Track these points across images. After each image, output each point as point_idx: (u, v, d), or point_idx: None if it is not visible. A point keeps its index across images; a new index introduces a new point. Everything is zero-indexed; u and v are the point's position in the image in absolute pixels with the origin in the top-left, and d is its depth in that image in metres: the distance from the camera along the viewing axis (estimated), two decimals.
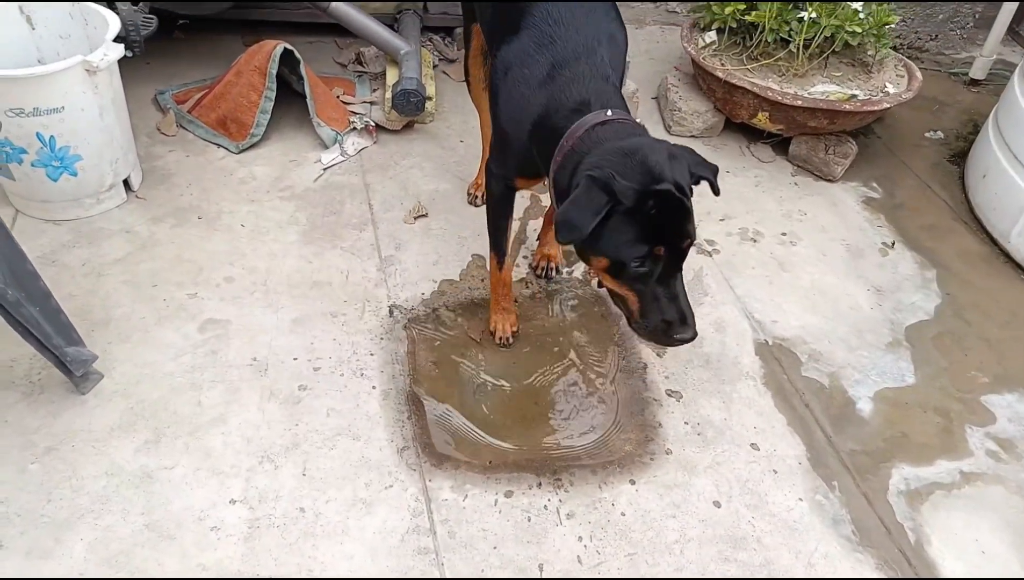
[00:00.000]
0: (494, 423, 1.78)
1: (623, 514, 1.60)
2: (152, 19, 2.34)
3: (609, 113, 1.55)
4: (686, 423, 1.81)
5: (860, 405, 1.90)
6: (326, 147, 2.56)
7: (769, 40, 2.62)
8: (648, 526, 1.59)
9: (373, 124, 2.64)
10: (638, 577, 1.51)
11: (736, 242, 2.37)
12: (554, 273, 2.17)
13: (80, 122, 2.03)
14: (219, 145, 2.53)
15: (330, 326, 1.96)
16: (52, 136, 2.01)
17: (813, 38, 2.55)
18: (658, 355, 1.97)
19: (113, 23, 2.10)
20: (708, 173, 1.56)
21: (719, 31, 2.75)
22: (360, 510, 1.57)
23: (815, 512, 1.65)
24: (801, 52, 2.59)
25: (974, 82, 3.35)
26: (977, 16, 3.51)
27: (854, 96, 2.57)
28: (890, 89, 2.65)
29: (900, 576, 1.56)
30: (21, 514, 1.50)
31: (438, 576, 1.48)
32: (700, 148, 2.78)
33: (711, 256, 2.30)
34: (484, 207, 1.95)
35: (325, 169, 2.49)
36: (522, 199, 2.43)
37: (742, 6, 2.59)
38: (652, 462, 1.71)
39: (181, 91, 2.73)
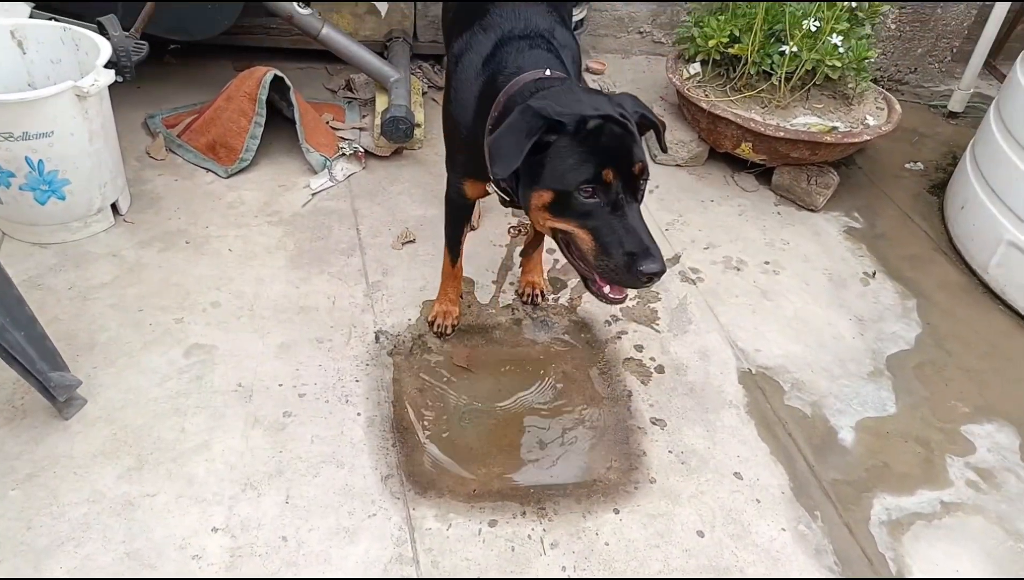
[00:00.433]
0: (479, 450, 1.78)
1: (607, 544, 1.61)
2: (143, 45, 2.36)
3: (548, 72, 1.53)
4: (670, 452, 1.82)
5: (842, 434, 1.92)
6: (315, 172, 2.58)
7: (752, 72, 2.68)
8: (632, 556, 1.59)
9: (362, 150, 2.66)
10: (636, 577, 1.51)
11: (720, 271, 2.40)
12: (539, 299, 2.18)
13: (69, 147, 2.04)
14: (208, 169, 2.54)
15: (316, 352, 1.96)
16: (41, 160, 2.01)
17: (795, 71, 2.60)
18: (642, 383, 1.98)
19: (104, 49, 2.11)
20: (652, 116, 1.51)
21: (703, 63, 2.81)
22: (343, 539, 1.56)
23: (798, 542, 1.66)
24: (783, 85, 2.64)
25: (952, 114, 3.42)
26: (955, 50, 3.59)
27: (835, 128, 2.62)
28: (870, 121, 2.70)
29: None
30: (0, 541, 1.48)
31: None
32: (685, 177, 2.83)
33: (695, 284, 2.33)
34: (446, 209, 1.96)
35: (314, 194, 2.51)
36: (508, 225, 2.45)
37: (725, 39, 2.65)
38: (636, 491, 1.72)
39: (171, 115, 2.75)
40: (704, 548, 1.62)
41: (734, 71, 2.75)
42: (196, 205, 2.40)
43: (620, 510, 1.68)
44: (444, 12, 2.10)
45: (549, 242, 2.39)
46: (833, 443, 1.90)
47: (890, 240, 2.64)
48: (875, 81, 3.04)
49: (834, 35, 2.52)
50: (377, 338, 2.02)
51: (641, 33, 3.61)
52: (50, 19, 2.29)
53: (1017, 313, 2.36)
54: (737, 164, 2.86)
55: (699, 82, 2.80)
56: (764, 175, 2.83)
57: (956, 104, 3.40)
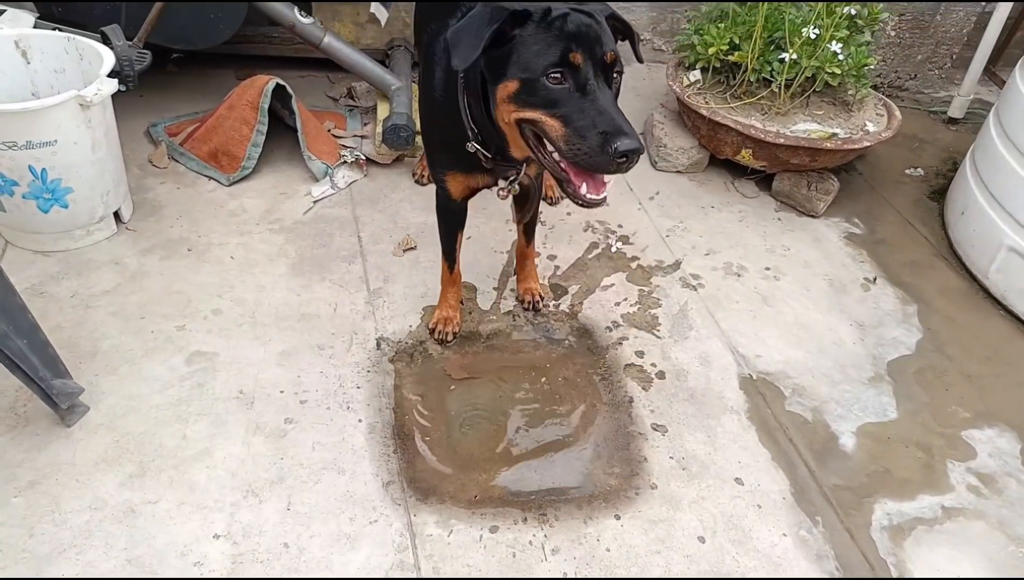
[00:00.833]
0: (480, 457, 1.78)
1: (608, 549, 1.61)
2: (146, 54, 2.38)
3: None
4: (671, 457, 1.82)
5: (843, 440, 1.92)
6: (316, 180, 2.59)
7: (752, 80, 2.69)
8: (633, 562, 1.59)
9: (363, 158, 2.68)
10: (635, 578, 1.51)
11: (721, 277, 2.40)
12: (540, 305, 2.19)
13: (72, 155, 2.05)
14: (210, 177, 2.56)
15: (317, 359, 1.97)
16: (44, 169, 2.02)
17: (794, 78, 2.61)
18: (643, 389, 1.99)
19: (107, 58, 2.13)
20: (623, 20, 1.47)
21: (703, 70, 2.82)
22: (344, 545, 1.56)
23: (799, 548, 1.66)
24: (783, 91, 2.65)
25: (952, 120, 3.43)
26: (955, 56, 3.60)
27: (835, 134, 2.63)
28: (870, 127, 2.71)
29: None
30: (2, 548, 1.49)
31: None
32: (686, 183, 2.84)
33: (696, 290, 2.33)
34: (438, 214, 1.96)
35: (315, 202, 2.52)
36: (510, 233, 2.46)
37: (725, 47, 2.66)
38: (637, 497, 1.72)
39: (174, 124, 2.76)
40: (705, 554, 1.62)
41: (734, 78, 2.76)
42: (198, 213, 2.41)
43: (621, 516, 1.68)
44: (416, 12, 2.15)
45: (549, 249, 2.42)
46: (834, 448, 1.90)
47: (890, 246, 2.64)
48: (875, 87, 3.05)
49: (834, 42, 2.53)
50: (378, 345, 2.03)
51: (641, 40, 3.62)
52: (54, 29, 2.31)
53: (1017, 318, 2.36)
54: (737, 170, 2.87)
55: (699, 89, 2.81)
56: (764, 181, 2.84)
57: (956, 110, 3.41)
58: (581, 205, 1.46)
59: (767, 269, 2.46)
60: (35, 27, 2.35)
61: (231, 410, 1.81)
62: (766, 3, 2.56)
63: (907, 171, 3.07)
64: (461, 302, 2.13)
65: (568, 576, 1.55)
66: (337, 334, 2.04)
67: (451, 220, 1.95)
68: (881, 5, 2.69)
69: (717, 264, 2.45)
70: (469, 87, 1.56)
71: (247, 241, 2.32)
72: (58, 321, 1.97)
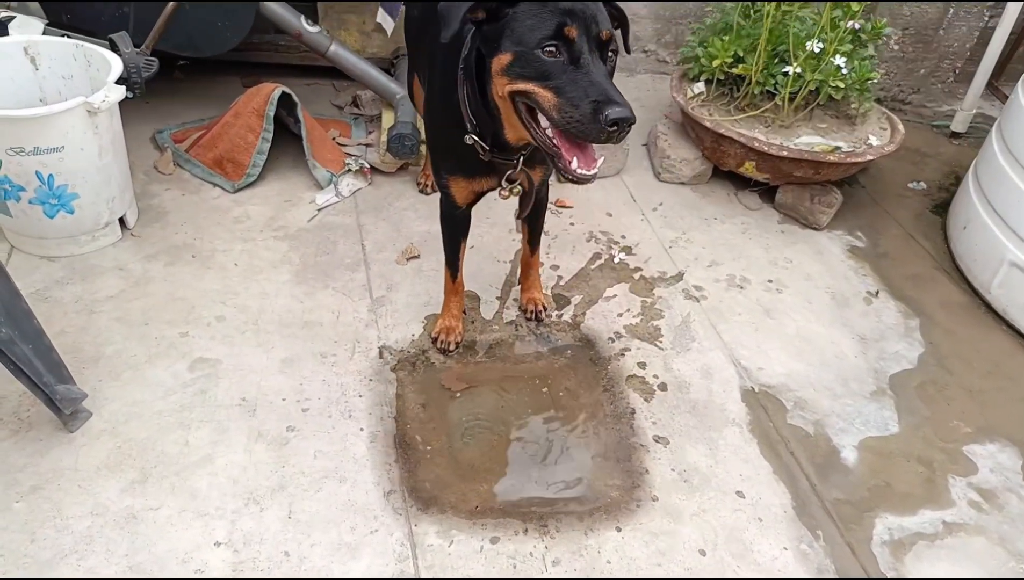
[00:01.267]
0: (481, 467, 1.78)
1: (609, 562, 1.61)
2: (153, 61, 2.39)
3: None
4: (672, 470, 1.82)
5: (844, 454, 1.92)
6: (321, 188, 2.60)
7: (755, 92, 2.70)
8: (634, 574, 1.59)
9: (368, 166, 2.69)
10: (636, 578, 1.51)
11: (723, 288, 2.41)
12: (542, 315, 2.19)
13: (79, 161, 2.06)
14: (215, 184, 2.57)
15: (320, 367, 1.97)
16: (51, 174, 2.03)
17: (798, 91, 2.62)
18: (645, 400, 1.99)
19: (115, 65, 2.14)
20: (617, 8, 1.49)
21: (707, 82, 2.83)
22: (345, 555, 1.56)
23: (800, 562, 1.66)
24: (786, 104, 2.66)
25: (955, 135, 3.44)
26: (958, 71, 3.61)
27: (838, 148, 2.64)
28: (873, 141, 2.72)
29: None
30: (4, 554, 1.49)
31: None
32: (689, 195, 2.85)
33: (698, 302, 2.34)
34: (442, 223, 1.97)
35: (319, 210, 2.53)
36: (513, 242, 2.47)
37: (729, 59, 2.67)
38: (638, 509, 1.72)
39: (179, 130, 2.78)
40: (706, 567, 1.62)
41: (738, 91, 2.77)
42: (203, 219, 2.42)
43: (622, 528, 1.68)
44: (409, 23, 2.19)
45: (552, 259, 2.42)
46: (835, 462, 1.90)
47: (893, 259, 2.65)
48: (878, 101, 3.06)
49: (837, 56, 2.54)
50: (381, 353, 2.03)
51: (646, 52, 3.64)
52: (63, 35, 2.32)
53: (1019, 333, 2.36)
54: (741, 182, 2.88)
55: (703, 101, 2.82)
56: (767, 194, 2.84)
57: (959, 124, 3.42)
58: (571, 180, 1.47)
59: (769, 281, 2.46)
60: (44, 33, 2.36)
61: (233, 417, 1.81)
62: (770, 17, 2.57)
63: (910, 185, 3.08)
64: (464, 311, 2.13)
65: None
66: (340, 342, 2.05)
67: (455, 228, 1.96)
68: (885, 19, 2.70)
69: (720, 276, 2.46)
70: (467, 75, 1.57)
71: (251, 248, 2.33)
72: (62, 326, 1.98)
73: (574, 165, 1.45)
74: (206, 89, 3.04)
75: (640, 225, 2.65)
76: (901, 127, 2.80)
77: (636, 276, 2.41)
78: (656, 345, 2.16)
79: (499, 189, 1.77)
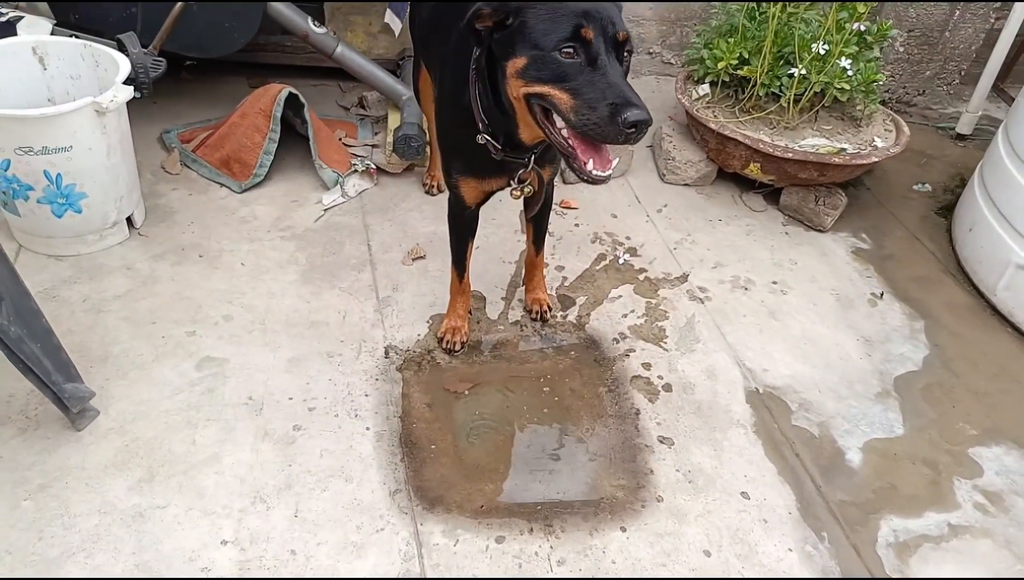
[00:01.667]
0: (486, 467, 1.79)
1: (614, 562, 1.61)
2: (161, 62, 2.40)
3: None
4: (677, 470, 1.82)
5: (849, 455, 1.92)
6: (327, 188, 2.61)
7: (761, 94, 2.70)
8: (639, 575, 1.59)
9: (374, 167, 2.70)
10: (638, 578, 1.51)
11: (728, 290, 2.41)
12: (547, 316, 2.20)
13: (87, 161, 2.07)
14: (222, 184, 2.58)
15: (326, 366, 1.98)
16: (59, 174, 2.05)
17: (803, 93, 2.62)
18: (650, 401, 1.99)
19: (123, 65, 2.15)
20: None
21: (712, 84, 2.83)
22: (351, 553, 1.57)
23: (805, 563, 1.66)
24: (792, 106, 2.66)
25: (960, 137, 3.44)
26: (963, 73, 3.61)
27: (843, 149, 2.64)
28: (878, 143, 2.72)
29: None
30: (12, 551, 1.50)
31: None
32: (694, 196, 2.85)
33: (703, 303, 2.34)
34: (449, 223, 1.98)
35: (326, 210, 2.54)
36: (519, 243, 2.47)
37: (735, 61, 2.67)
38: (643, 509, 1.72)
39: (186, 130, 2.79)
40: (711, 568, 1.62)
41: (743, 92, 2.77)
42: (209, 219, 2.43)
43: (627, 528, 1.68)
44: (417, 24, 2.19)
45: (557, 259, 2.43)
46: (840, 464, 1.90)
47: (898, 261, 2.65)
48: (883, 103, 3.06)
49: (843, 58, 2.54)
50: (387, 353, 2.04)
51: (651, 54, 3.64)
52: (71, 36, 2.33)
53: None
54: (745, 184, 2.88)
55: (708, 103, 2.83)
56: (772, 195, 2.85)
57: (964, 126, 3.41)
58: (586, 181, 1.48)
59: (774, 283, 2.46)
60: (52, 34, 2.38)
61: (240, 416, 1.82)
62: (775, 19, 2.58)
63: (915, 187, 3.08)
64: (469, 312, 2.14)
65: None
66: (346, 342, 2.05)
67: (462, 229, 1.97)
68: (890, 21, 2.70)
69: (724, 277, 2.46)
70: (480, 75, 1.58)
71: (258, 248, 2.34)
72: (70, 325, 1.99)
73: (589, 166, 1.46)
74: (213, 90, 3.05)
75: (645, 226, 2.65)
76: (906, 129, 2.80)
77: (641, 277, 2.42)
78: (661, 346, 2.16)
79: (511, 188, 1.77)
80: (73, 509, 1.58)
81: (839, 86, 2.57)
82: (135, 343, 1.97)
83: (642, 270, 2.45)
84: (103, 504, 1.60)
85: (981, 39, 3.48)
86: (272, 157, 2.57)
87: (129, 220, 2.31)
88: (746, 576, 1.62)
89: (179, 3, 2.39)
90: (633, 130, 1.32)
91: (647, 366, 2.09)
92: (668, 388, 2.03)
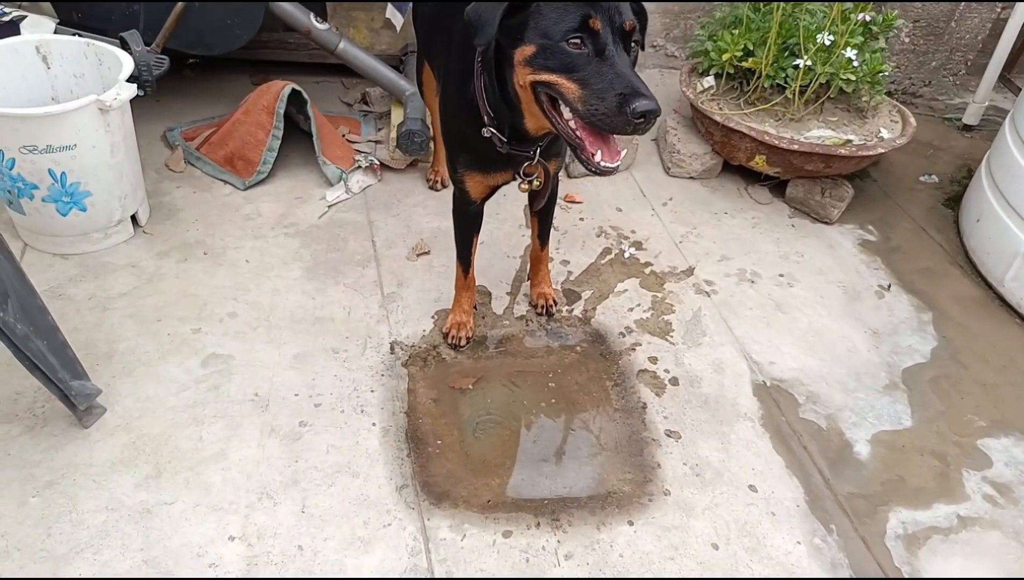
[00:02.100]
0: (493, 461, 1.78)
1: (621, 556, 1.61)
2: (164, 59, 2.40)
3: None
4: (684, 464, 1.82)
5: (857, 448, 1.91)
6: (331, 185, 2.61)
7: (766, 86, 2.69)
8: (646, 568, 1.59)
9: (378, 163, 2.69)
10: (640, 578, 1.51)
11: (734, 283, 2.40)
12: (552, 310, 2.19)
13: (91, 159, 2.07)
14: (226, 182, 2.58)
15: (331, 362, 1.98)
16: (64, 172, 2.05)
17: (809, 84, 2.61)
18: (656, 395, 1.98)
19: (126, 63, 2.15)
20: (638, 3, 1.48)
21: (717, 76, 2.82)
22: (358, 549, 1.57)
23: (813, 556, 1.65)
24: (797, 98, 2.65)
25: (967, 127, 3.42)
26: (969, 63, 3.58)
27: (849, 141, 2.62)
28: (885, 134, 2.70)
29: None
30: (20, 548, 1.50)
31: None
32: (699, 189, 2.84)
33: (709, 297, 2.33)
34: (454, 218, 1.98)
35: (330, 206, 2.53)
36: (523, 238, 2.47)
37: (739, 53, 2.66)
38: (650, 503, 1.72)
39: (190, 128, 2.79)
40: (719, 561, 1.62)
41: (748, 84, 2.76)
42: (214, 217, 2.43)
43: (634, 522, 1.67)
44: (419, 19, 2.19)
45: (562, 254, 2.42)
46: (848, 456, 1.89)
47: (905, 253, 2.63)
48: (889, 94, 3.04)
49: (848, 49, 2.52)
50: (392, 349, 2.04)
51: (655, 47, 3.63)
52: (74, 34, 2.33)
53: None
54: (751, 177, 2.87)
55: (713, 95, 2.81)
56: (778, 188, 2.83)
57: (971, 117, 3.39)
58: (594, 172, 1.47)
59: (781, 276, 2.45)
60: (55, 32, 2.38)
61: (246, 412, 1.82)
62: (780, 10, 2.56)
63: (921, 178, 3.06)
64: (475, 307, 2.13)
65: None
66: (351, 338, 2.05)
67: (467, 223, 1.96)
68: (896, 11, 2.68)
69: (730, 270, 2.45)
70: (485, 66, 1.57)
71: (262, 245, 2.34)
72: (76, 323, 1.99)
73: (597, 157, 1.45)
74: (216, 87, 3.05)
75: (650, 220, 2.64)
76: (912, 120, 2.78)
77: (646, 271, 2.41)
78: (667, 340, 2.16)
79: (519, 181, 1.77)
80: (81, 506, 1.59)
81: (845, 77, 2.56)
82: (141, 340, 1.97)
83: (648, 264, 2.44)
84: (110, 500, 1.60)
85: (987, 29, 3.46)
86: (276, 154, 2.56)
87: (134, 218, 2.31)
88: (754, 570, 1.61)
89: (181, 1, 2.39)
90: (642, 120, 1.32)
91: (653, 360, 2.09)
92: (675, 382, 2.03)
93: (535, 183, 1.76)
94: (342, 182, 2.60)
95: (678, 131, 2.92)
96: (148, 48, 2.36)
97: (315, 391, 1.89)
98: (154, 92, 2.38)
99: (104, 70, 2.24)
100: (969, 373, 2.17)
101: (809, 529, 1.70)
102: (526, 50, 1.40)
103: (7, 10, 2.45)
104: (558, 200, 2.26)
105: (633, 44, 1.41)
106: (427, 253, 2.38)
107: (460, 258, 2.02)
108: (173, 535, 1.56)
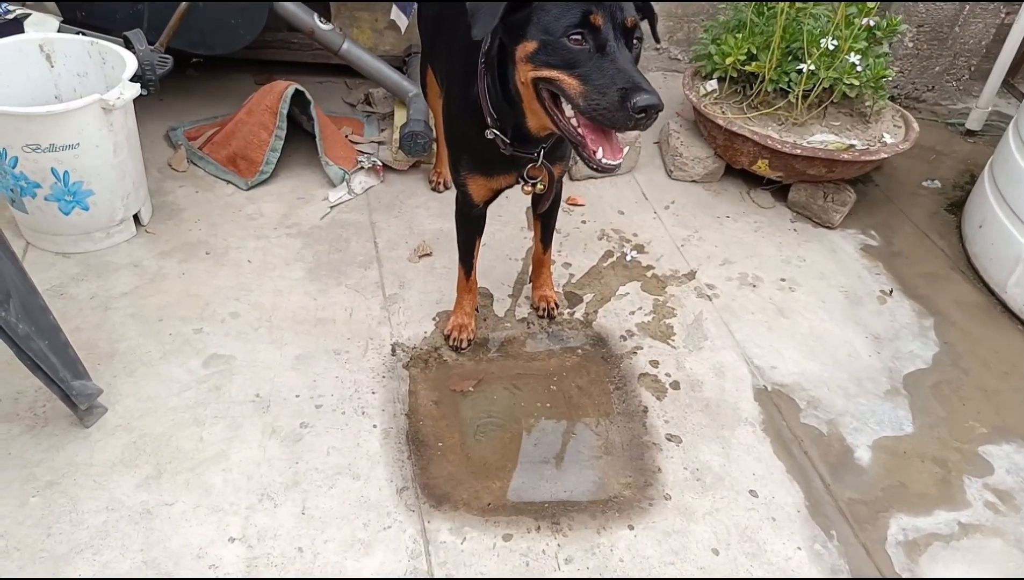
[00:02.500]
0: (493, 464, 1.78)
1: (621, 560, 1.60)
2: (168, 59, 2.40)
3: None
4: (685, 468, 1.81)
5: (859, 453, 1.91)
6: (334, 185, 2.61)
7: (769, 90, 2.69)
8: (646, 573, 1.59)
9: (380, 164, 2.69)
10: (640, 578, 1.51)
11: (736, 287, 2.40)
12: (554, 313, 2.19)
13: (94, 158, 2.07)
14: (228, 181, 2.58)
15: (333, 363, 1.97)
16: (66, 171, 2.05)
17: (812, 89, 2.61)
18: (657, 398, 1.98)
19: (130, 62, 2.15)
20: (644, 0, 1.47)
21: (720, 80, 2.82)
22: (358, 551, 1.57)
23: (814, 562, 1.65)
24: (800, 102, 2.65)
25: (970, 133, 3.41)
26: (973, 68, 3.58)
27: (852, 145, 2.62)
28: (888, 139, 2.70)
29: None
30: (20, 548, 1.50)
31: None
32: (701, 193, 2.84)
33: (711, 300, 2.33)
34: (457, 222, 1.98)
35: (332, 207, 2.53)
36: (525, 240, 2.47)
37: (743, 57, 2.66)
38: (651, 508, 1.72)
39: (193, 128, 2.79)
40: (719, 566, 1.62)
41: (751, 88, 2.76)
42: (216, 217, 2.43)
43: (635, 526, 1.67)
44: (422, 20, 2.21)
45: (564, 257, 2.42)
46: (849, 462, 1.89)
47: (907, 258, 2.63)
48: (892, 99, 3.04)
49: (852, 53, 2.52)
50: (393, 350, 2.03)
51: (658, 50, 3.62)
52: (78, 33, 2.33)
53: None
54: (753, 181, 2.86)
55: (716, 99, 2.81)
56: (780, 192, 2.83)
57: (974, 122, 3.39)
58: (596, 170, 1.46)
59: (782, 280, 2.45)
60: (59, 31, 2.38)
61: (247, 413, 1.82)
62: (784, 14, 2.56)
63: (924, 183, 3.05)
64: (476, 309, 2.13)
65: None
66: (353, 339, 2.05)
67: (470, 227, 1.96)
68: (900, 16, 2.68)
69: (732, 274, 2.45)
70: (489, 67, 1.57)
71: (264, 245, 2.34)
72: (77, 322, 1.99)
73: (599, 155, 1.44)
74: (219, 87, 3.05)
75: (652, 223, 2.64)
76: (916, 125, 2.78)
77: (648, 274, 2.41)
78: (668, 343, 2.16)
79: (523, 184, 1.76)
80: (81, 506, 1.59)
81: (848, 82, 2.56)
82: (142, 340, 1.97)
83: (649, 267, 2.44)
84: (111, 501, 1.60)
85: (991, 34, 3.46)
86: (278, 154, 2.56)
87: (136, 217, 2.31)
88: (754, 575, 1.61)
89: (185, 1, 2.39)
90: (643, 115, 1.31)
91: (655, 363, 2.09)
92: (676, 386, 2.03)
93: (538, 186, 1.76)
94: (345, 183, 2.60)
95: (681, 134, 2.91)
96: (152, 47, 2.36)
97: (316, 392, 1.89)
98: (157, 91, 2.38)
99: (108, 69, 2.24)
100: (971, 379, 2.17)
101: (810, 535, 1.70)
102: (528, 46, 1.40)
103: (11, 8, 2.45)
104: (561, 203, 2.26)
105: (635, 41, 1.40)
106: (429, 255, 2.38)
107: (462, 261, 2.02)
108: (173, 536, 1.55)
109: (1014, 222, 2.41)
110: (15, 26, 2.38)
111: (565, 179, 2.70)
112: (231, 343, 1.99)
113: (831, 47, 2.50)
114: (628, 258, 2.46)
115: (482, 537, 1.62)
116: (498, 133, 1.62)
